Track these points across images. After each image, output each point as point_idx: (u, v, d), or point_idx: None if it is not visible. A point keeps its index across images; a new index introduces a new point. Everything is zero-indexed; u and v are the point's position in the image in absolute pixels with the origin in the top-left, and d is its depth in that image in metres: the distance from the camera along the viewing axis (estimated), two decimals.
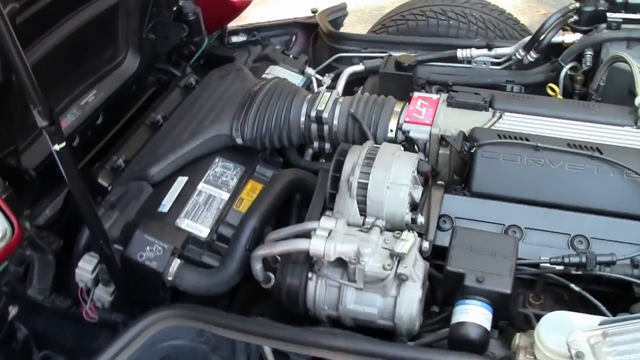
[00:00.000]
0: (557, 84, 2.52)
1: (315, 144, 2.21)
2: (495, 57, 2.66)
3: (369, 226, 1.73)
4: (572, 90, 2.55)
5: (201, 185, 2.05)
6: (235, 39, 3.13)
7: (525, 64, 2.59)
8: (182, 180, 2.05)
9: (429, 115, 2.09)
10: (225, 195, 2.05)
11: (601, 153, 1.87)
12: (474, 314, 1.56)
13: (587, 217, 1.83)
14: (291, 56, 2.71)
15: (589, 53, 2.43)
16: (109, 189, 2.06)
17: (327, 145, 2.21)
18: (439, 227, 1.85)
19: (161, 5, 2.61)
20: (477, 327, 1.55)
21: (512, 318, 1.66)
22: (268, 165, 2.22)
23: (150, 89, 2.67)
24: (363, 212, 1.77)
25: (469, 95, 2.14)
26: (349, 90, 2.67)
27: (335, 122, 2.14)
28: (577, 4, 2.49)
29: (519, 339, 1.57)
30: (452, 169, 2.05)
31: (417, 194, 1.80)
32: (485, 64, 2.68)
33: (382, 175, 1.76)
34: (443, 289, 1.71)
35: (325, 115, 2.12)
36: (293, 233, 1.74)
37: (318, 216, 1.79)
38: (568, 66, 2.49)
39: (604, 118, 2.04)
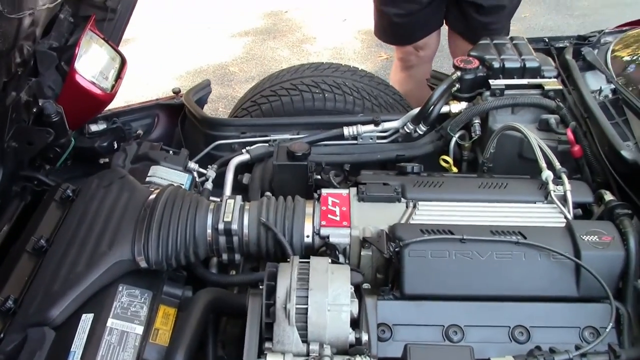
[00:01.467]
0: (446, 153, 2.53)
1: (225, 256, 2.05)
2: (383, 132, 2.63)
3: (315, 354, 1.60)
4: (461, 157, 2.58)
5: (110, 322, 1.81)
6: (94, 127, 2.89)
7: (414, 137, 2.58)
8: (87, 319, 1.81)
9: (345, 215, 2.00)
10: (139, 329, 1.83)
11: (525, 237, 1.87)
12: None
13: (523, 305, 1.82)
14: (171, 152, 2.51)
15: (476, 122, 2.46)
16: (1, 336, 1.78)
17: (238, 257, 2.05)
18: (379, 338, 1.76)
19: (20, 110, 2.33)
20: None
21: None
22: (174, 285, 2.01)
23: (17, 202, 2.36)
24: (304, 337, 1.64)
25: (379, 187, 2.08)
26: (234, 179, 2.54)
27: (246, 231, 2.00)
28: (458, 73, 2.51)
29: None
30: (374, 269, 1.96)
31: (355, 308, 1.70)
32: (371, 138, 2.64)
33: (321, 297, 1.64)
34: None
35: (234, 227, 1.97)
36: None
37: (255, 352, 1.63)
38: (457, 135, 2.51)
39: (516, 196, 2.06)
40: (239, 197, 2.07)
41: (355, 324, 1.70)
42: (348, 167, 2.38)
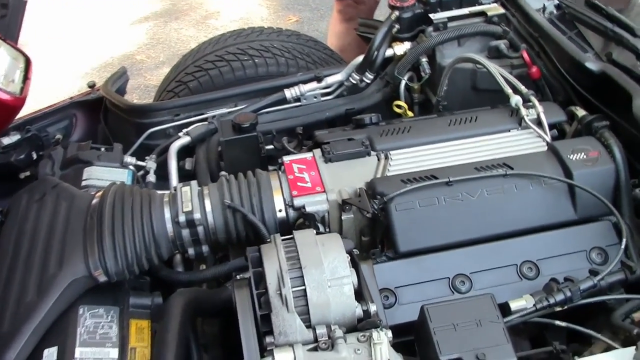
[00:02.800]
0: (397, 99, 2.38)
1: (191, 251, 1.83)
2: (326, 87, 2.45)
3: (325, 339, 1.42)
4: (412, 101, 2.43)
5: (79, 351, 1.57)
6: (7, 140, 2.56)
7: (361, 87, 2.41)
8: (51, 354, 1.57)
9: (316, 180, 1.81)
10: (114, 352, 1.60)
11: (512, 168, 1.74)
12: None
13: (526, 239, 1.70)
14: (103, 149, 2.25)
15: (424, 60, 2.31)
16: None
17: (205, 248, 1.84)
18: (383, 305, 1.60)
19: None
20: None
21: None
22: (141, 294, 1.78)
23: None
24: (307, 322, 1.45)
25: (345, 143, 1.90)
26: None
27: (210, 218, 1.78)
28: (397, 13, 2.35)
29: None
30: (358, 232, 1.80)
31: (355, 278, 1.52)
32: (315, 97, 2.45)
33: (318, 274, 1.46)
34: None
35: (196, 216, 1.76)
36: None
37: (256, 351, 1.44)
38: (405, 78, 2.35)
39: (489, 128, 1.92)
40: (194, 183, 1.86)
41: (358, 295, 1.52)
42: (301, 130, 2.19)
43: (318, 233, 1.60)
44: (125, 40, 5.77)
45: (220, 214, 1.78)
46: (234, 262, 1.83)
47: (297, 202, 1.77)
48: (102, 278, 1.68)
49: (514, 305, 1.54)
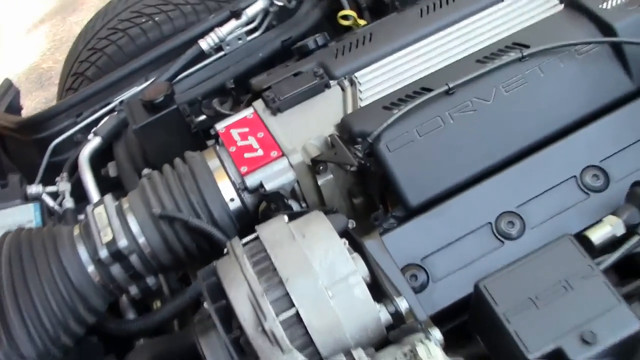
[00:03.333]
0: (341, 9, 1.85)
1: (133, 290, 1.32)
2: (249, 23, 1.90)
3: None
4: (359, 7, 1.90)
5: None
6: None
7: (292, 8, 1.87)
8: None
9: (267, 143, 1.29)
10: None
11: (527, 46, 1.23)
12: None
13: (577, 138, 1.19)
14: None
15: None
16: None
17: (151, 280, 1.32)
18: (413, 290, 1.10)
19: None
20: None
21: None
22: None
23: None
24: (314, 355, 0.95)
25: (292, 82, 1.38)
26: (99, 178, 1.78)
27: (142, 241, 1.26)
28: None
29: None
30: (346, 195, 1.29)
31: (362, 267, 1.02)
32: (240, 39, 1.91)
33: (310, 284, 0.95)
34: None
35: (122, 244, 1.24)
36: None
37: None
38: None
39: (475, 3, 1.39)
40: (107, 198, 1.33)
41: (376, 292, 1.02)
42: (232, 84, 1.66)
43: (292, 216, 1.09)
44: (24, 51, 5.12)
45: (153, 230, 1.27)
46: (195, 285, 1.33)
47: (251, 180, 1.26)
48: None
49: (595, 236, 1.05)
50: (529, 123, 1.19)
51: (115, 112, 1.84)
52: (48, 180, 1.85)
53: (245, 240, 1.06)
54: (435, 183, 1.17)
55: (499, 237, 1.13)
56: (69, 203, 1.73)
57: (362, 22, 1.82)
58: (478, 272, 1.08)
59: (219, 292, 0.99)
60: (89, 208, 1.32)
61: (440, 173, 1.17)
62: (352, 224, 1.20)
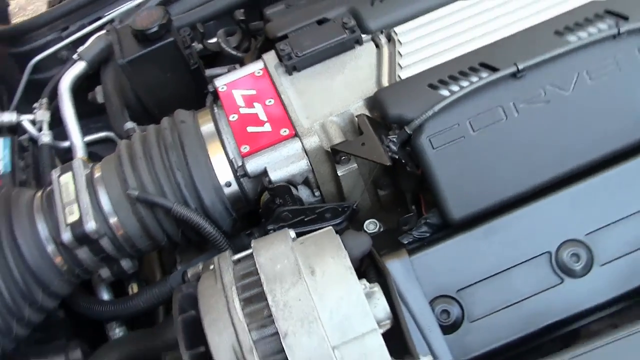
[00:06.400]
0: None
1: (105, 273, 1.10)
2: None
3: None
4: None
5: None
6: None
7: None
8: None
9: (277, 116, 1.03)
10: None
11: (626, 18, 0.94)
12: None
13: None
14: None
15: None
16: None
17: (127, 263, 1.10)
18: (442, 329, 0.87)
19: None
20: None
21: None
22: (48, 350, 1.14)
23: None
24: None
25: (315, 31, 1.10)
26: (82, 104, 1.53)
27: (114, 221, 1.03)
28: None
29: None
30: (371, 186, 1.04)
31: (383, 309, 0.78)
32: None
33: (313, 344, 0.72)
34: None
35: (89, 227, 1.00)
36: None
37: None
38: None
39: None
40: (77, 164, 1.08)
41: (394, 339, 0.79)
42: (242, 15, 1.37)
43: (294, 222, 0.85)
44: None
45: (128, 212, 1.03)
46: (176, 274, 1.10)
47: (253, 165, 1.00)
48: None
49: None
50: (615, 125, 0.92)
51: (105, 31, 1.56)
52: (29, 100, 1.61)
53: (237, 256, 0.83)
54: (487, 194, 0.92)
55: (558, 272, 0.89)
56: (46, 137, 1.50)
57: None
58: (527, 314, 0.86)
59: (196, 333, 0.77)
60: (54, 173, 1.08)
61: (494, 181, 0.92)
62: (375, 224, 0.97)
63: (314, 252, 0.79)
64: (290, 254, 0.79)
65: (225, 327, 0.75)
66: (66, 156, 1.51)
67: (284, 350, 0.73)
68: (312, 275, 0.76)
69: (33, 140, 1.53)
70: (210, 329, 0.76)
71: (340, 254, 0.78)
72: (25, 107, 1.63)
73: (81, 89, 1.57)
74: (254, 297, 0.77)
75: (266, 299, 0.75)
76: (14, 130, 1.56)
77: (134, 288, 1.21)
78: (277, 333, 0.73)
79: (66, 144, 1.50)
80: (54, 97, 1.59)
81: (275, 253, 0.79)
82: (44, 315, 1.09)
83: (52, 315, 1.17)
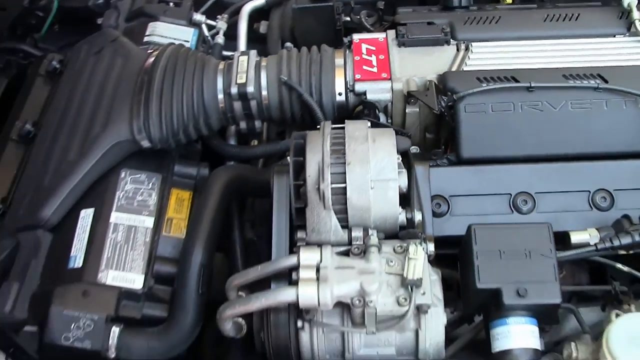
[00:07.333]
0: None
1: (243, 124, 1.74)
2: None
3: (359, 243, 1.32)
4: None
5: (114, 216, 1.53)
6: None
7: None
8: (87, 215, 1.54)
9: (383, 65, 1.65)
10: (149, 221, 1.56)
11: (606, 81, 1.52)
12: (520, 337, 1.26)
13: (606, 165, 1.49)
14: (172, 4, 2.13)
15: None
16: None
17: (258, 124, 1.73)
18: (434, 213, 1.47)
19: None
20: (527, 352, 1.25)
21: (557, 321, 1.33)
22: (187, 162, 1.70)
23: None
24: (344, 222, 1.35)
25: (423, 27, 1.70)
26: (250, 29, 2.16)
27: (264, 93, 1.66)
28: None
29: (575, 350, 1.26)
30: (423, 128, 1.64)
31: (404, 181, 1.39)
32: None
33: (362, 173, 1.33)
34: (468, 305, 1.35)
35: (249, 89, 1.64)
36: (264, 274, 1.31)
37: (286, 244, 1.36)
38: None
39: (590, 29, 1.68)
40: (252, 52, 1.72)
41: (405, 199, 1.40)
42: (382, 6, 1.99)
43: (373, 124, 1.46)
44: None
45: (275, 90, 1.66)
46: (287, 142, 1.72)
47: (359, 87, 1.62)
48: (146, 144, 1.61)
49: (575, 237, 1.39)
50: (576, 137, 1.50)
51: None
52: (212, 13, 2.23)
53: (334, 126, 1.44)
54: (488, 149, 1.51)
55: (511, 206, 1.47)
56: (220, 40, 2.12)
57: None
58: (482, 223, 1.43)
59: (300, 151, 1.39)
60: (237, 53, 1.72)
61: (494, 143, 1.50)
62: (415, 148, 1.56)
63: (379, 133, 1.39)
64: (365, 129, 1.39)
65: (317, 151, 1.35)
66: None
67: (345, 172, 1.33)
68: (373, 142, 1.37)
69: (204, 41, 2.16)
70: (309, 150, 1.36)
71: (392, 138, 1.38)
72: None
73: (252, 18, 2.22)
74: (338, 143, 1.37)
75: (344, 145, 1.36)
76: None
77: (254, 143, 1.84)
78: (344, 162, 1.34)
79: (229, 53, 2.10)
80: (232, 15, 2.22)
81: (357, 126, 1.40)
82: (197, 136, 1.70)
83: (193, 146, 1.80)
